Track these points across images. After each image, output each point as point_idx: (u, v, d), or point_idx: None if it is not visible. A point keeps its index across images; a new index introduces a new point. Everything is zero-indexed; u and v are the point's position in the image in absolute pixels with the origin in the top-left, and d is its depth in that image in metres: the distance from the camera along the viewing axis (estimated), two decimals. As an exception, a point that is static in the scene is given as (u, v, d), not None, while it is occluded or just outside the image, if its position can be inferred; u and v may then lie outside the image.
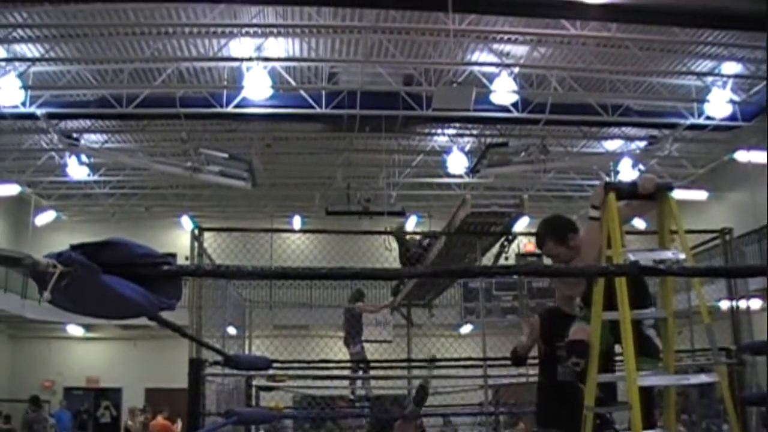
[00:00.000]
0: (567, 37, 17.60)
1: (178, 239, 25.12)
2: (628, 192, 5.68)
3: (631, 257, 5.45)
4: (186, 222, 25.92)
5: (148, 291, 2.19)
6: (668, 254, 5.65)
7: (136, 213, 28.37)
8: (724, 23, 14.87)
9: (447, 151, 24.19)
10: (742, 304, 11.18)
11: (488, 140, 23.09)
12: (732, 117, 21.49)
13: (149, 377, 26.55)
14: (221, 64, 18.87)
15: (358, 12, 16.97)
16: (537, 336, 6.56)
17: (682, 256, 5.53)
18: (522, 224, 11.91)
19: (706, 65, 20.06)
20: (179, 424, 19.33)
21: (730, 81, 20.27)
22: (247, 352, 13.96)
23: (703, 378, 6.05)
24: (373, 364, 14.90)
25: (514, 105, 20.45)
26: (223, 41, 17.80)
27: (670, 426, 5.75)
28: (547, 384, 6.48)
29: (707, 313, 5.53)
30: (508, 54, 19.21)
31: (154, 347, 25.84)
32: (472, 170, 23.53)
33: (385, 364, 12.84)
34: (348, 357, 15.56)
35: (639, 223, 23.38)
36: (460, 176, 25.22)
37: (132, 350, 27.78)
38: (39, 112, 19.35)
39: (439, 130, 24.09)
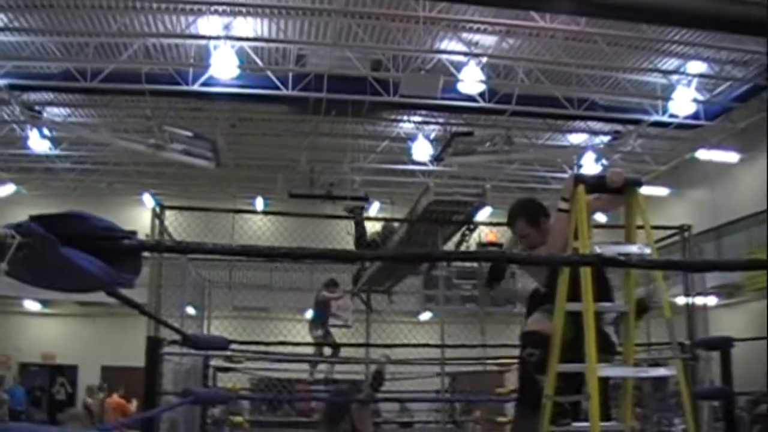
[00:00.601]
0: (536, 29, 17.68)
1: (140, 217, 24.86)
2: (597, 185, 5.72)
3: (598, 249, 5.50)
4: (148, 200, 25.69)
5: (108, 265, 2.17)
6: (634, 248, 5.71)
7: (97, 189, 28.06)
8: (692, 23, 14.98)
9: (412, 138, 24.23)
10: (699, 300, 11.35)
11: (454, 129, 23.12)
12: (695, 116, 21.76)
13: (106, 355, 26.34)
14: (188, 41, 18.73)
15: (329, -5, 16.95)
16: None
17: (648, 250, 5.59)
18: (484, 214, 11.99)
19: (672, 63, 20.26)
20: (134, 403, 19.23)
21: (695, 80, 20.51)
22: (205, 332, 13.89)
23: (662, 371, 6.12)
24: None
25: (481, 95, 20.52)
26: (191, 18, 17.66)
27: (626, 418, 5.82)
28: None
29: (669, 307, 5.60)
30: (476, 44, 19.24)
31: (111, 325, 25.61)
32: (437, 158, 23.59)
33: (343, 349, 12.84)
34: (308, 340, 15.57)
35: (601, 217, 23.55)
36: (425, 164, 25.26)
37: (89, 327, 27.55)
38: (1, 83, 19.04)
39: (405, 117, 24.11)
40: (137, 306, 3.58)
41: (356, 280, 16.73)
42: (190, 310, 13.75)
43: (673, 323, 5.66)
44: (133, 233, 2.55)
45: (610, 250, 5.64)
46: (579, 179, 5.60)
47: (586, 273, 5.24)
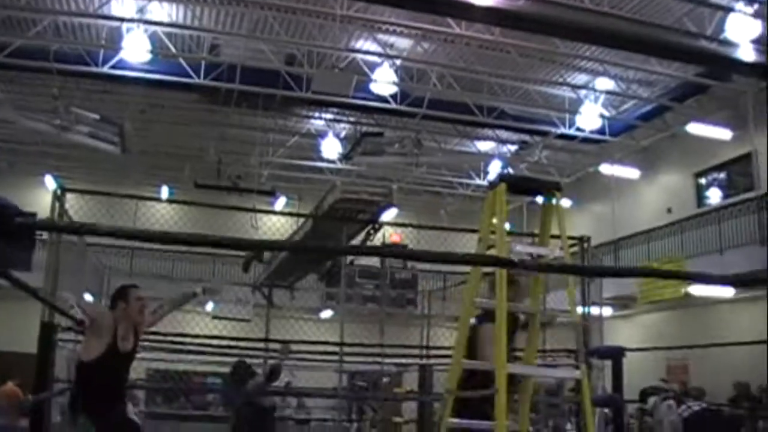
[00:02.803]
0: (451, 35, 17.86)
1: (41, 199, 24.11)
2: (519, 186, 5.87)
3: (516, 248, 5.64)
4: (50, 182, 25.04)
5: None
6: (547, 250, 5.88)
7: (-3, 167, 27.31)
8: (602, 40, 15.34)
9: (322, 135, 24.23)
10: (596, 310, 11.63)
11: (364, 128, 23.21)
12: (600, 131, 22.34)
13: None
14: (101, 21, 18.34)
15: (247, -14, 16.83)
16: None
17: (558, 252, 5.75)
18: (390, 214, 12.02)
19: (581, 79, 20.73)
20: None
21: (602, 96, 21.03)
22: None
23: (570, 372, 6.27)
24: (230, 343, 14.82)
25: (393, 96, 20.66)
26: (104, -1, 17.33)
27: (525, 419, 5.96)
28: None
29: (576, 312, 5.76)
30: (391, 45, 19.35)
31: (4, 309, 24.90)
32: (346, 157, 23.64)
33: (241, 343, 12.75)
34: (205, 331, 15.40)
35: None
36: (333, 161, 25.30)
37: (-20, 311, 26.71)
38: None
39: (317, 114, 24.09)
40: (29, 290, 3.50)
41: (246, 269, 16.63)
42: (88, 297, 13.51)
43: (580, 328, 5.82)
44: (33, 215, 2.51)
45: (525, 251, 5.79)
46: (503, 178, 5.73)
47: (501, 273, 5.37)
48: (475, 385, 5.65)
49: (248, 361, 12.13)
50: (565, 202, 25.75)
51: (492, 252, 5.61)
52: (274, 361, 12.19)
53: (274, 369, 11.65)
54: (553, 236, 6.02)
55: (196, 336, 12.59)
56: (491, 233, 5.68)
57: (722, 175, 22.31)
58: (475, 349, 5.88)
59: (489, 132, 24.74)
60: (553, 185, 5.98)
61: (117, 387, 6.49)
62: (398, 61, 19.68)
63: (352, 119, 24.01)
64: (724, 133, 20.10)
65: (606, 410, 11.63)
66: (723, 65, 16.16)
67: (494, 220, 5.65)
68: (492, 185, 5.83)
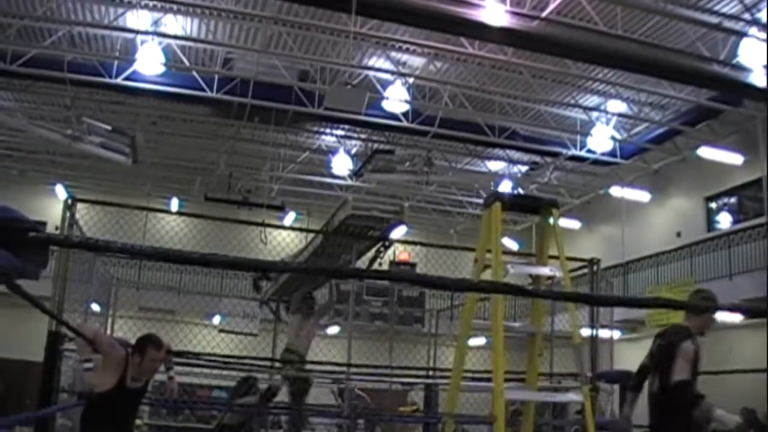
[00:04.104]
0: (464, 55, 17.85)
1: (50, 208, 24.34)
2: (514, 203, 5.82)
3: (511, 269, 5.57)
4: (60, 191, 25.13)
5: (12, 255, 2.13)
6: (546, 270, 5.80)
7: (8, 176, 27.37)
8: (614, 63, 15.36)
9: (333, 151, 24.25)
10: (605, 333, 11.58)
11: (375, 146, 23.22)
12: (612, 153, 22.30)
13: (3, 347, 25.57)
14: (115, 33, 18.41)
15: (261, 0, 16.86)
16: None
17: (559, 273, 5.68)
18: (399, 232, 11.98)
19: (593, 101, 20.71)
20: None
21: (614, 119, 21.02)
22: (109, 331, 13.65)
23: (570, 396, 6.22)
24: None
25: (405, 114, 20.67)
26: (120, 10, 17.39)
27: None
28: None
29: (578, 334, 5.69)
30: (404, 63, 19.38)
31: (10, 316, 24.89)
32: (356, 173, 23.64)
33: (245, 361, 12.73)
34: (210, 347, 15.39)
35: (512, 244, 23.94)
36: (343, 178, 25.31)
37: (-14, 318, 26.71)
38: None
39: (328, 130, 24.11)
40: (35, 302, 3.49)
41: (257, 287, 16.61)
42: (95, 307, 13.51)
43: (581, 351, 5.76)
44: (42, 224, 2.50)
45: (522, 270, 5.73)
46: (497, 197, 5.68)
47: (496, 297, 5.33)
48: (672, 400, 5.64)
49: (256, 375, 12.14)
50: (575, 224, 25.80)
51: (488, 272, 5.58)
52: (274, 383, 12.21)
53: (271, 391, 11.73)
54: (552, 257, 5.97)
55: (200, 354, 12.54)
56: (488, 252, 5.64)
57: (733, 200, 22.23)
58: (670, 365, 5.83)
59: (500, 152, 24.74)
60: (550, 203, 5.93)
61: (125, 419, 6.59)
62: (411, 80, 19.70)
63: (363, 136, 24.03)
64: (735, 158, 20.05)
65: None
66: (735, 90, 16.16)
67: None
68: (487, 203, 5.79)
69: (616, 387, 9.10)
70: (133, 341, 6.74)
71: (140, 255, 2.18)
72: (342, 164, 23.94)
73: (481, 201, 27.31)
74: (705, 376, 6.42)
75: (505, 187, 24.64)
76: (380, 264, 11.77)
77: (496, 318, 5.21)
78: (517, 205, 5.95)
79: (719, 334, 20.07)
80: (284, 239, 16.18)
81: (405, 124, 20.82)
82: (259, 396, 11.78)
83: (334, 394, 14.29)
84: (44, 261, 2.26)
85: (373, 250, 11.42)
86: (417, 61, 19.38)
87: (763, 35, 14.76)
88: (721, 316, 18.33)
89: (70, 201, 8.83)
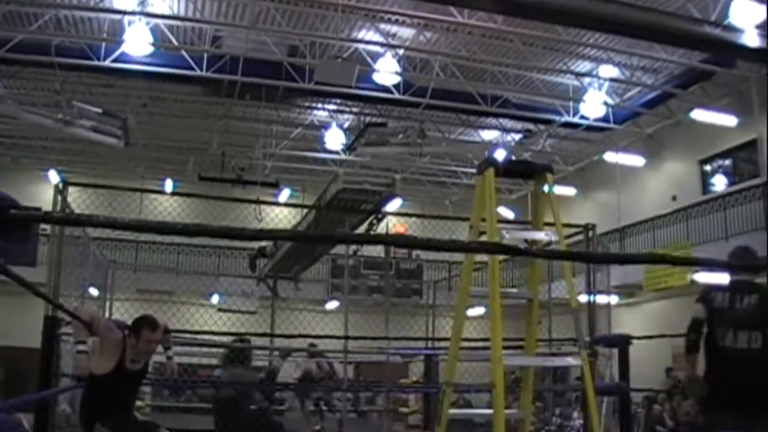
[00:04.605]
0: (454, 24, 17.76)
1: (44, 193, 24.01)
2: (510, 169, 5.77)
3: (507, 235, 5.52)
4: (53, 176, 24.99)
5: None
6: (541, 235, 5.75)
7: (1, 163, 27.28)
8: (605, 27, 15.27)
9: (326, 126, 24.18)
10: (603, 299, 11.58)
11: (367, 119, 23.16)
12: (605, 119, 22.23)
13: (3, 335, 25.55)
14: (102, 15, 18.24)
15: (248, -23, 16.76)
16: None
17: (555, 238, 5.63)
18: (394, 205, 11.97)
19: (584, 66, 20.62)
20: None
21: (606, 84, 20.92)
22: (107, 314, 13.62)
23: (569, 360, 6.18)
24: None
25: (396, 86, 20.57)
26: (105, -8, 17.27)
27: (527, 407, 5.90)
28: None
29: (575, 299, 5.66)
30: (394, 35, 19.27)
31: (9, 303, 24.83)
32: (349, 148, 23.59)
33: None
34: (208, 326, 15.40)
35: (507, 213, 23.93)
36: (337, 153, 25.25)
37: (-17, 305, 26.67)
38: None
39: (320, 105, 24.04)
40: (27, 284, 3.45)
41: (252, 264, 16.61)
42: (93, 291, 13.49)
43: (579, 315, 5.74)
44: (38, 209, 2.47)
45: (518, 236, 5.69)
46: (490, 162, 5.63)
47: (493, 260, 5.29)
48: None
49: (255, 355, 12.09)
50: (570, 191, 25.77)
51: (483, 239, 5.53)
52: (272, 366, 12.19)
53: (271, 373, 11.68)
54: (548, 223, 5.92)
55: (200, 332, 12.53)
56: (482, 220, 5.58)
57: (727, 162, 22.20)
58: None
59: (493, 121, 24.66)
60: (544, 168, 5.88)
61: (126, 401, 6.56)
62: (401, 51, 19.59)
63: (355, 110, 23.95)
64: (729, 120, 20.00)
65: (614, 399, 11.59)
66: (727, 51, 16.06)
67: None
68: (480, 170, 5.73)
69: (615, 351, 9.10)
70: (130, 323, 6.71)
71: (123, 227, 2.17)
72: (335, 139, 23.87)
73: (475, 171, 27.40)
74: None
75: (500, 155, 24.60)
76: (374, 237, 11.76)
77: (493, 284, 5.17)
78: (510, 170, 5.89)
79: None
80: (278, 216, 16.16)
81: (396, 96, 20.72)
82: (265, 376, 11.63)
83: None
84: (25, 238, 2.22)
85: (366, 223, 11.42)
86: (406, 33, 19.27)
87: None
88: (718, 277, 18.38)
89: (61, 185, 8.77)
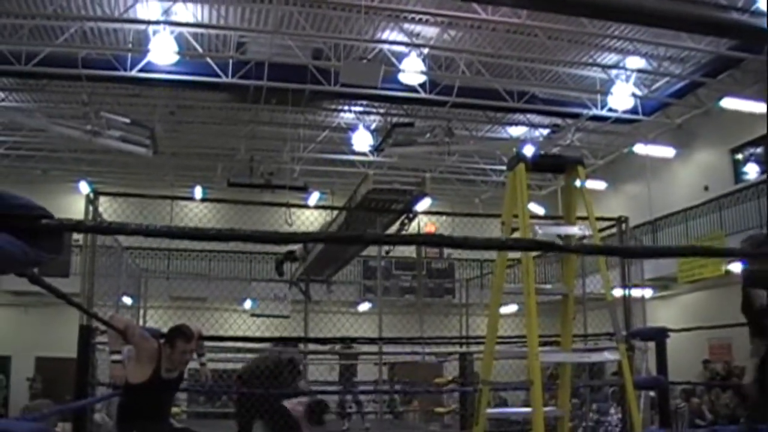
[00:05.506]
0: (477, 21, 17.71)
1: (75, 204, 24.19)
2: (541, 164, 5.70)
3: (539, 230, 5.46)
4: (84, 187, 25.17)
5: (24, 243, 2.07)
6: (575, 230, 5.68)
7: (32, 175, 27.51)
8: (631, 18, 15.13)
9: (352, 128, 24.18)
10: (637, 292, 11.47)
11: (394, 119, 23.12)
12: (633, 110, 22.04)
13: (40, 346, 25.78)
14: (127, 25, 18.38)
15: (270, -18, 16.78)
16: None
17: (588, 232, 5.56)
18: (424, 204, 11.93)
19: (611, 58, 20.46)
20: None
21: (634, 75, 20.76)
22: (142, 322, 13.71)
23: (606, 356, 6.10)
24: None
25: (422, 86, 20.53)
26: (129, 2, 17.32)
27: (565, 404, 5.84)
28: None
29: (610, 293, 5.59)
30: (418, 35, 19.23)
31: (46, 314, 25.07)
32: (377, 149, 23.57)
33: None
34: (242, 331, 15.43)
35: (537, 209, 23.81)
36: (365, 154, 25.24)
37: (23, 317, 26.84)
38: (-69, 65, 18.49)
39: (346, 107, 24.04)
40: (60, 294, 3.45)
41: (279, 268, 16.61)
42: (127, 300, 13.57)
43: (615, 308, 5.66)
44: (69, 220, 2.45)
45: (550, 231, 5.62)
46: (520, 158, 5.57)
47: (527, 256, 5.23)
48: None
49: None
50: (600, 184, 25.60)
51: (515, 236, 5.47)
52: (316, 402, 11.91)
53: (292, 361, 11.35)
54: (580, 217, 5.85)
55: (233, 338, 12.55)
56: (514, 216, 5.53)
57: (759, 150, 21.93)
58: None
59: (520, 117, 24.52)
60: (575, 161, 5.80)
61: (162, 408, 6.61)
62: (425, 50, 19.55)
63: (381, 111, 23.92)
64: (759, 107, 19.73)
65: (652, 393, 11.48)
66: (757, 38, 15.88)
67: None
68: (510, 166, 5.68)
69: (650, 345, 8.99)
70: (164, 331, 6.74)
71: (155, 234, 2.16)
72: (362, 140, 23.86)
73: (504, 168, 27.29)
74: (742, 328, 6.26)
75: (528, 151, 24.48)
76: (406, 237, 11.71)
77: (528, 280, 5.11)
78: (541, 165, 5.81)
79: None
80: (308, 218, 16.16)
81: (423, 95, 20.68)
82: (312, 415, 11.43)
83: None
84: (58, 248, 2.20)
85: (398, 223, 11.38)
86: (430, 31, 19.22)
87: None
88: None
89: (92, 195, 8.82)
